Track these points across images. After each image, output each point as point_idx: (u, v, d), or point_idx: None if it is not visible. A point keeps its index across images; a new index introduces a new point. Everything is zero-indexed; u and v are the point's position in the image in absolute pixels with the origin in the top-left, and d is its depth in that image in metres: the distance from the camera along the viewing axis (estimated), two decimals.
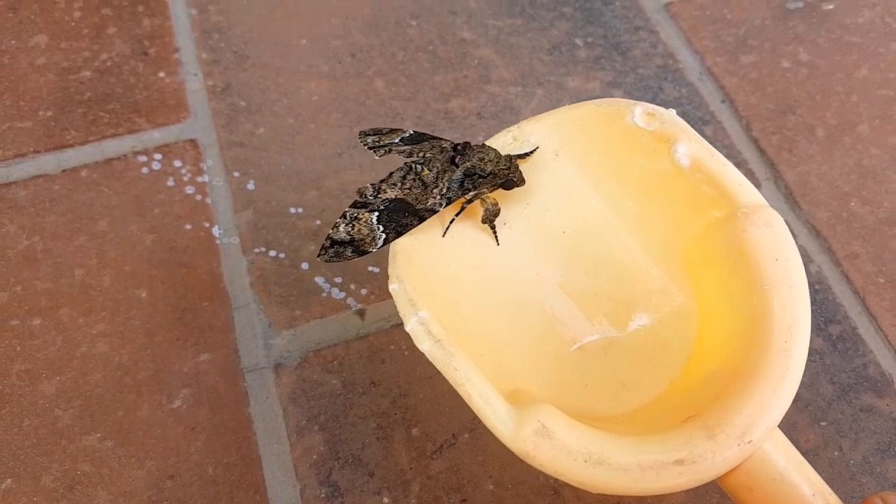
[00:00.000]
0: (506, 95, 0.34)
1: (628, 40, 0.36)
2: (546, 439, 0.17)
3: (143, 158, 0.32)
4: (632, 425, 0.20)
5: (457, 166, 0.21)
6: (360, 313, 0.28)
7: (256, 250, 0.29)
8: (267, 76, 0.34)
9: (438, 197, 0.21)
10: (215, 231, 0.30)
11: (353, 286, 0.29)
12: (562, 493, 0.25)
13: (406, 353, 0.27)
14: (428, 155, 0.22)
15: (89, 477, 0.25)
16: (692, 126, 0.23)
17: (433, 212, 0.21)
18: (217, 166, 0.32)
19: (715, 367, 0.19)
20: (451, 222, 0.22)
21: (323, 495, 0.25)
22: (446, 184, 0.21)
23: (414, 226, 0.21)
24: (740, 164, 0.32)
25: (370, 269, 0.29)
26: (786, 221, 0.21)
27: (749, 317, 0.19)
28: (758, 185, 0.32)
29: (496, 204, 0.22)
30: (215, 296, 0.28)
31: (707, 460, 0.17)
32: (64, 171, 0.31)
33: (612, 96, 0.34)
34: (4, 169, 0.31)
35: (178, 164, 0.31)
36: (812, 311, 0.29)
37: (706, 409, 0.18)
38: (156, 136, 0.32)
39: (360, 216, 0.21)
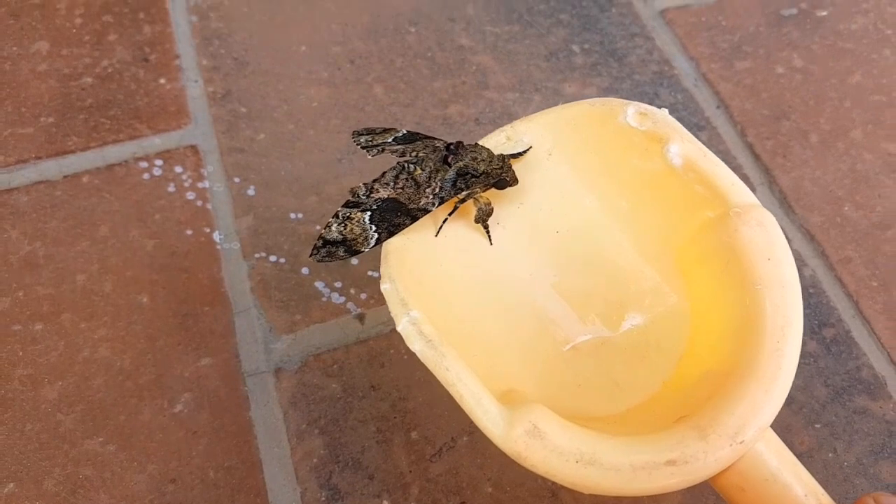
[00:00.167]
0: (503, 101, 0.34)
1: (624, 47, 0.36)
2: (537, 440, 0.17)
3: (144, 164, 0.32)
4: (625, 425, 0.20)
5: (449, 166, 0.21)
6: (360, 318, 0.28)
7: (257, 255, 0.30)
8: (267, 82, 0.34)
9: (431, 196, 0.21)
10: (216, 236, 0.30)
11: (352, 291, 0.29)
12: (560, 496, 0.25)
13: (405, 357, 0.28)
14: (421, 154, 0.22)
15: (91, 481, 0.25)
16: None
17: (426, 211, 0.21)
18: (217, 172, 0.32)
19: (708, 367, 0.19)
20: (443, 222, 0.22)
21: (323, 498, 0.25)
22: (439, 183, 0.21)
23: (406, 225, 0.21)
24: (735, 169, 0.32)
25: (370, 273, 0.29)
26: (780, 226, 0.21)
27: (741, 317, 0.19)
28: (752, 190, 0.32)
29: (489, 203, 0.22)
30: (216, 301, 0.28)
31: (699, 461, 0.17)
32: (65, 176, 0.31)
33: None
34: (6, 175, 0.31)
35: (178, 169, 0.32)
36: (806, 314, 0.30)
37: (699, 410, 0.18)
38: (157, 142, 0.32)
39: (353, 216, 0.21)
